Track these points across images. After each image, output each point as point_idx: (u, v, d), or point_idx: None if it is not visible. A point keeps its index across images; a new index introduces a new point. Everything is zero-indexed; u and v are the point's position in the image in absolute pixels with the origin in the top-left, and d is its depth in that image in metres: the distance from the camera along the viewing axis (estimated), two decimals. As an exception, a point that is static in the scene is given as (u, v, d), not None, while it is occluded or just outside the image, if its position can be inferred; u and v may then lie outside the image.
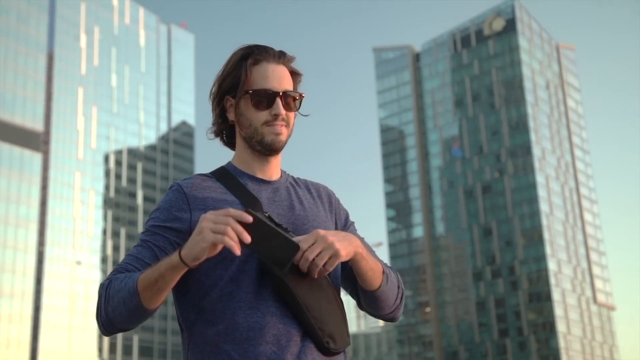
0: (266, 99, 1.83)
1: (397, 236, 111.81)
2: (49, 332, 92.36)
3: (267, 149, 1.86)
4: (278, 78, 1.85)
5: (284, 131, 1.86)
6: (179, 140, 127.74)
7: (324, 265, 1.70)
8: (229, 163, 1.95)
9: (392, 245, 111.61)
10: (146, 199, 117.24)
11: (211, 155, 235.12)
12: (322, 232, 1.70)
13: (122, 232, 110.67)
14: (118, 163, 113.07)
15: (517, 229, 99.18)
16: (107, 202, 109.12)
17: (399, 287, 2.01)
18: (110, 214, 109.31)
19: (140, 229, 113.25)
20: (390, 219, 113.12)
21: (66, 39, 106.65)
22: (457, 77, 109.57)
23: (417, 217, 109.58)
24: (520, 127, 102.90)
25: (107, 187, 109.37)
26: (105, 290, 1.74)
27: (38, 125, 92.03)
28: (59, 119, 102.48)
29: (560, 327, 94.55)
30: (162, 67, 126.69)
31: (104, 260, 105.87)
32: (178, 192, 1.85)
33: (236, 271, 1.76)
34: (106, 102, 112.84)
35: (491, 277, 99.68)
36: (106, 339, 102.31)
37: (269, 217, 1.75)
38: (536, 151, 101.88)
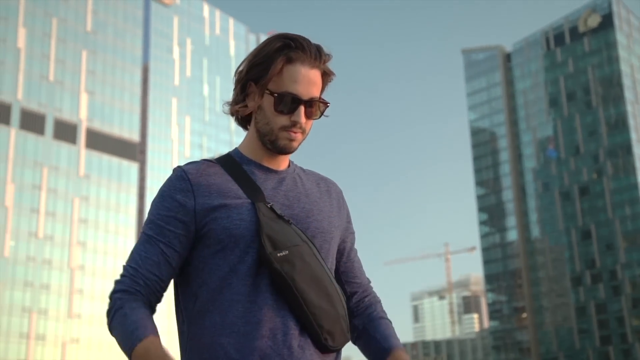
0: (289, 105, 1.77)
1: (490, 240, 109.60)
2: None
3: (277, 151, 1.81)
4: (307, 84, 1.78)
5: (299, 138, 1.81)
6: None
7: None
8: (236, 149, 1.90)
9: (485, 250, 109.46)
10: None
11: (298, 159, 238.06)
12: None
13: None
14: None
15: (618, 232, 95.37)
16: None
17: None
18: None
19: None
20: (482, 223, 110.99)
21: (160, 52, 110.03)
22: (550, 76, 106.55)
23: (511, 221, 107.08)
24: (620, 125, 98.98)
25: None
26: (111, 316, 1.69)
27: (134, 136, 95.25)
28: (154, 129, 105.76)
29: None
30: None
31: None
32: (181, 178, 1.77)
33: (235, 262, 1.71)
34: (199, 111, 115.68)
35: (591, 282, 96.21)
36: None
37: (271, 208, 1.74)
38: (637, 150, 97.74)
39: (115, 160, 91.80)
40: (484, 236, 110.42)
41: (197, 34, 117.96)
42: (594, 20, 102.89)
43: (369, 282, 2.01)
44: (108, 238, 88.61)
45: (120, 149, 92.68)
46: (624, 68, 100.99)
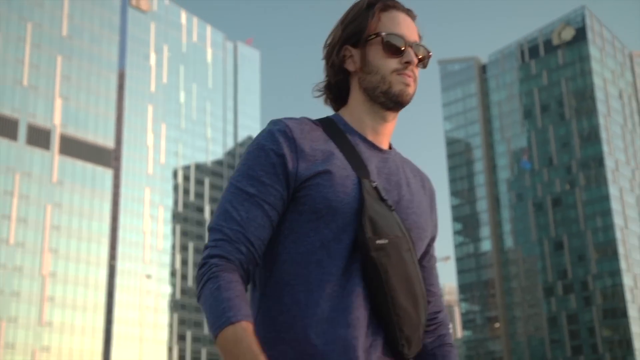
0: (398, 45, 1.64)
1: (464, 250, 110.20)
2: (120, 344, 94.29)
3: (393, 101, 1.64)
4: (408, 28, 1.67)
5: (412, 84, 1.65)
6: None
7: None
8: (337, 115, 1.70)
9: (459, 259, 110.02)
10: (213, 213, 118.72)
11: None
12: None
13: (191, 246, 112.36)
14: (186, 178, 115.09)
15: (590, 243, 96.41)
16: (176, 217, 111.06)
17: None
18: (178, 228, 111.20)
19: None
20: (457, 233, 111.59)
21: (136, 58, 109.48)
22: (525, 88, 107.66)
23: (485, 231, 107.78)
24: (592, 138, 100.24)
25: (175, 202, 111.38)
26: (202, 283, 1.47)
27: (109, 142, 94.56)
28: (130, 136, 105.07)
29: (638, 344, 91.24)
30: (229, 84, 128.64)
31: (173, 273, 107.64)
32: (285, 134, 1.57)
33: (329, 238, 1.53)
34: (175, 118, 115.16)
35: (563, 293, 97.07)
36: (175, 351, 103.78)
37: (375, 189, 1.57)
38: (609, 163, 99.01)
39: (89, 167, 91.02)
40: (458, 246, 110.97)
41: (174, 40, 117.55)
42: (568, 34, 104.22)
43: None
44: (81, 245, 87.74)
45: (95, 156, 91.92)
46: (597, 81, 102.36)
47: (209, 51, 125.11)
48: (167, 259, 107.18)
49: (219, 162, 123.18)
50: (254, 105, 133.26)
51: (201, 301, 1.47)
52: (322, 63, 1.74)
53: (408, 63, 1.63)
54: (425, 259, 1.75)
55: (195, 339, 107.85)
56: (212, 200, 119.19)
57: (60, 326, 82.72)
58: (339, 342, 1.48)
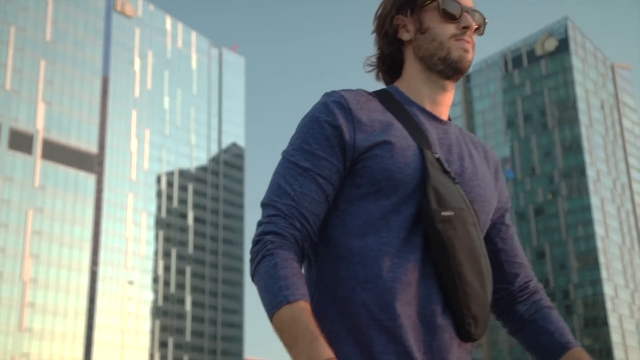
0: (454, 10, 1.58)
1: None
2: (101, 351, 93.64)
3: (452, 68, 1.57)
4: None
5: (471, 50, 1.58)
6: (229, 161, 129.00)
7: None
8: (393, 87, 1.63)
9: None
10: (197, 219, 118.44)
11: (261, 175, 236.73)
12: None
13: (173, 252, 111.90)
14: (169, 184, 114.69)
15: (572, 252, 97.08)
16: (159, 223, 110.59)
17: None
18: (161, 234, 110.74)
19: (191, 250, 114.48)
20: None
21: (120, 63, 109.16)
22: (508, 98, 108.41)
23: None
24: (574, 148, 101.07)
25: (158, 208, 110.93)
26: (257, 260, 1.41)
27: (92, 147, 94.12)
28: (113, 141, 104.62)
29: (618, 353, 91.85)
30: (213, 90, 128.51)
31: (155, 280, 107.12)
32: (341, 105, 1.49)
33: (389, 209, 1.45)
34: (159, 124, 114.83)
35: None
36: (157, 358, 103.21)
37: (438, 160, 1.50)
38: (591, 173, 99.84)
39: (71, 172, 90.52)
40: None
41: (159, 46, 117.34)
42: (551, 44, 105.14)
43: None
44: (62, 251, 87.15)
45: (78, 160, 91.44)
46: (579, 92, 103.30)
47: (194, 57, 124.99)
48: (149, 265, 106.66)
49: (202, 169, 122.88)
50: (238, 112, 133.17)
51: (256, 279, 1.41)
52: (372, 36, 1.67)
53: (466, 28, 1.58)
54: (503, 231, 1.68)
55: (177, 346, 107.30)
56: (196, 206, 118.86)
57: (41, 332, 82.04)
58: (401, 319, 1.39)
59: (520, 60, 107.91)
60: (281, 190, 1.46)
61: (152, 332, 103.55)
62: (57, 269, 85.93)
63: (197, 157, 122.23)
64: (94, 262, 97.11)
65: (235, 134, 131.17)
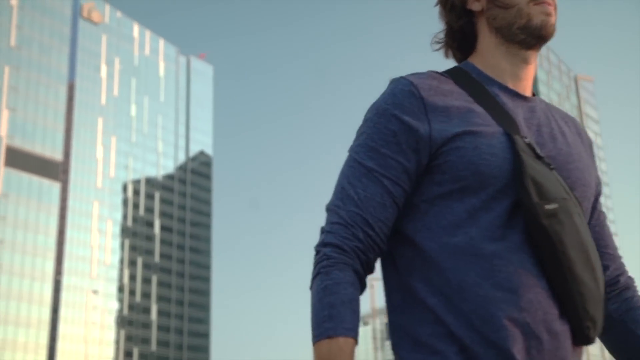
0: None
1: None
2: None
3: (535, 35, 1.36)
4: None
5: (553, 13, 1.37)
6: (196, 169, 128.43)
7: None
8: (468, 63, 1.43)
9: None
10: (163, 228, 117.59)
11: (229, 184, 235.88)
12: None
13: (139, 261, 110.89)
14: (136, 192, 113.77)
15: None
16: (125, 231, 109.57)
17: None
18: (127, 243, 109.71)
19: (157, 258, 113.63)
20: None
21: (87, 70, 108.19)
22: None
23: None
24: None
25: (124, 216, 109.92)
26: (314, 274, 1.28)
27: (57, 155, 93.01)
28: (79, 149, 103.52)
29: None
30: (181, 98, 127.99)
31: (120, 289, 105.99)
32: (412, 94, 1.30)
33: (477, 207, 1.26)
34: (125, 132, 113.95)
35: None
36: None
37: (529, 145, 1.30)
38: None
39: (35, 179, 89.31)
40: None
41: (126, 53, 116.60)
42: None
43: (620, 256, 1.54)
44: (25, 260, 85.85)
45: (42, 168, 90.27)
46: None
47: (162, 64, 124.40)
48: (114, 273, 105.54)
49: (170, 177, 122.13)
50: (206, 120, 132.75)
51: (310, 294, 1.28)
52: (437, 11, 1.49)
53: None
54: (594, 217, 1.47)
55: (142, 356, 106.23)
56: (163, 214, 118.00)
57: (2, 343, 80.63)
58: (514, 329, 1.20)
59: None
60: (345, 194, 1.31)
61: (117, 342, 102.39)
62: (20, 278, 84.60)
63: (164, 165, 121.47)
64: (58, 271, 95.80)
65: (203, 142, 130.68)
